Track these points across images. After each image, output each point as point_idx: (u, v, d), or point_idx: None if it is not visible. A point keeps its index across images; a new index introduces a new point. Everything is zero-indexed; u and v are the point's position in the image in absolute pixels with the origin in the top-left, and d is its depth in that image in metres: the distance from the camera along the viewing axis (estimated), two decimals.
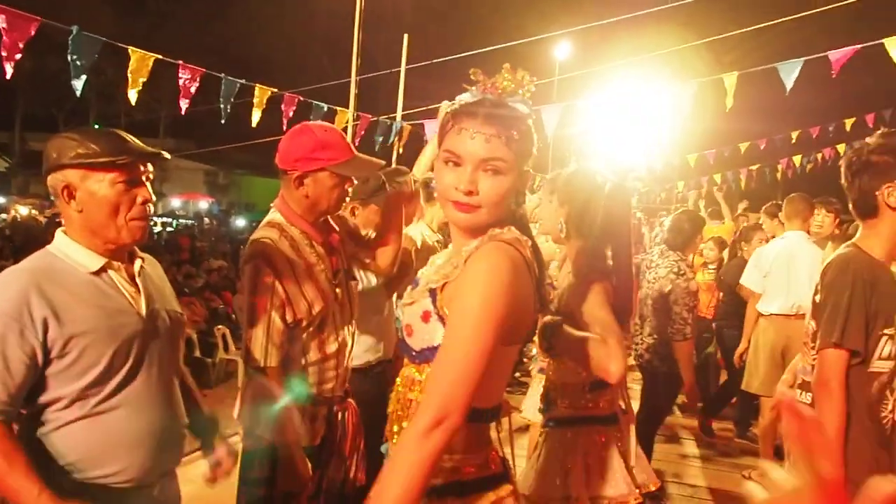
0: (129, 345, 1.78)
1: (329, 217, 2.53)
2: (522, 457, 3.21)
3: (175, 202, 37.44)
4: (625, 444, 2.44)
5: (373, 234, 2.82)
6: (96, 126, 29.64)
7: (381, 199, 3.04)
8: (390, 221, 2.74)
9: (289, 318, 2.28)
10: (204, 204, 35.46)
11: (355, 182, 2.50)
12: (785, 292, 4.98)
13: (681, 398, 4.98)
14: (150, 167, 1.86)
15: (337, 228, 2.57)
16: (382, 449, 1.71)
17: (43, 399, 1.71)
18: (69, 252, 1.79)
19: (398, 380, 1.67)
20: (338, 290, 2.43)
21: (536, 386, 3.80)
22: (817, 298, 2.35)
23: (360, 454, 2.56)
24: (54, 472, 1.70)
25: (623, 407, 2.49)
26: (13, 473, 1.59)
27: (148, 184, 1.85)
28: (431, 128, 6.18)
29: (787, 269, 4.95)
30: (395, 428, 1.64)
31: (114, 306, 1.78)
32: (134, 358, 1.79)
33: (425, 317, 1.55)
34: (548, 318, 2.11)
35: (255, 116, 5.47)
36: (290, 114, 5.98)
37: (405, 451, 1.34)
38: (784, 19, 6.03)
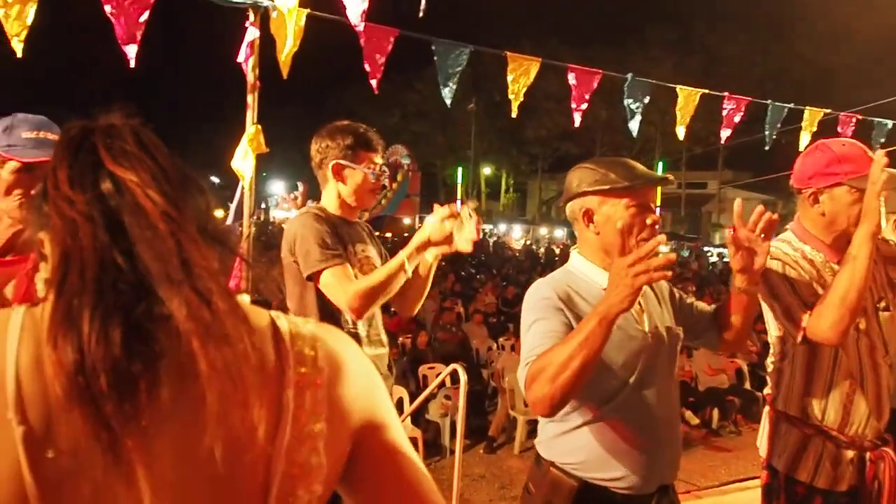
0: (636, 358, 1.92)
1: None
2: None
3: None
4: None
5: None
6: (660, 162, 31.79)
7: None
8: None
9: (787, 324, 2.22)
10: None
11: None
12: None
13: None
14: (657, 192, 2.02)
15: None
16: None
17: None
18: (584, 270, 2.02)
19: None
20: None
21: None
22: None
23: None
24: (565, 467, 1.94)
25: None
26: None
27: (656, 208, 2.03)
28: None
29: None
30: None
31: (622, 321, 1.90)
32: (639, 372, 1.92)
33: None
34: None
35: (804, 140, 5.25)
36: (849, 134, 5.52)
37: None
38: None
